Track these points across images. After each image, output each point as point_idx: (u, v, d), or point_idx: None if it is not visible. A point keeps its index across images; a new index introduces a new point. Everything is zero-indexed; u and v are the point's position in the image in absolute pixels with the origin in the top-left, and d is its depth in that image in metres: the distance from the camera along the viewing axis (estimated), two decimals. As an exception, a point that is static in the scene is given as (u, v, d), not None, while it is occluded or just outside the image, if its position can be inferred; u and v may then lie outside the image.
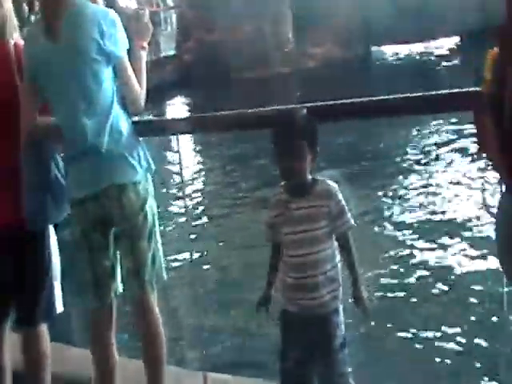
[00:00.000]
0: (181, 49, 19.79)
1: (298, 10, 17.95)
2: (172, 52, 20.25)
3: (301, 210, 2.69)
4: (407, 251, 6.75)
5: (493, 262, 5.92)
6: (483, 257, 6.28)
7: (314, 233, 2.68)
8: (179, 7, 20.39)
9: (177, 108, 17.55)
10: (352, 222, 2.71)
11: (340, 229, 2.69)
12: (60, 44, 2.90)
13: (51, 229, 3.28)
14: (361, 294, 2.69)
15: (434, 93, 2.68)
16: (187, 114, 16.47)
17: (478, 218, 7.18)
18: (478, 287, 5.82)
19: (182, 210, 8.46)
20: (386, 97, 2.72)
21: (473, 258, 6.42)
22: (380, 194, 8.68)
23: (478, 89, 2.27)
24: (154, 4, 19.78)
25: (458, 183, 8.68)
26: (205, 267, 6.79)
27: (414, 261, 6.55)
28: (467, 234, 7.01)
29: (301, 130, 2.64)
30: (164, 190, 9.26)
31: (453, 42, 19.67)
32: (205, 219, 8.60)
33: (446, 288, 5.92)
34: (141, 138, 3.08)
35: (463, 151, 10.01)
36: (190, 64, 18.66)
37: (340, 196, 2.70)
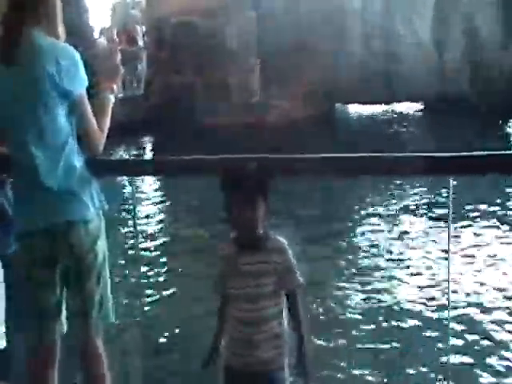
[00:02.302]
0: (148, 88, 19.75)
1: (265, 62, 18.10)
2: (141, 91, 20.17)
3: (250, 265, 2.61)
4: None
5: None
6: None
7: (260, 289, 2.60)
8: (149, 47, 20.36)
9: (137, 148, 17.42)
10: (301, 280, 2.65)
11: (289, 286, 2.63)
12: (14, 72, 2.81)
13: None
14: (304, 358, 2.61)
15: (391, 154, 2.65)
16: (144, 155, 16.45)
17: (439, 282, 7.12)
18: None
19: (133, 252, 8.25)
20: (340, 155, 2.66)
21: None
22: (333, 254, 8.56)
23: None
24: (123, 41, 19.75)
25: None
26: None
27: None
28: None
29: (256, 181, 2.57)
30: (116, 230, 9.05)
31: (416, 106, 20.00)
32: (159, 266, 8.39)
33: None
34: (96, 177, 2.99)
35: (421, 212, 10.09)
36: (155, 104, 18.60)
37: (290, 253, 2.64)
